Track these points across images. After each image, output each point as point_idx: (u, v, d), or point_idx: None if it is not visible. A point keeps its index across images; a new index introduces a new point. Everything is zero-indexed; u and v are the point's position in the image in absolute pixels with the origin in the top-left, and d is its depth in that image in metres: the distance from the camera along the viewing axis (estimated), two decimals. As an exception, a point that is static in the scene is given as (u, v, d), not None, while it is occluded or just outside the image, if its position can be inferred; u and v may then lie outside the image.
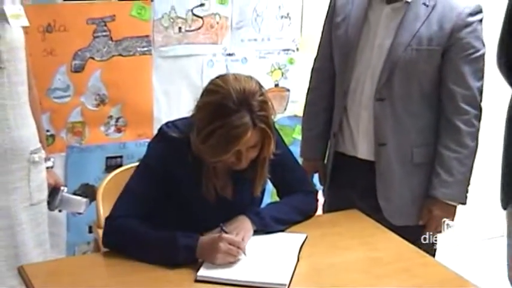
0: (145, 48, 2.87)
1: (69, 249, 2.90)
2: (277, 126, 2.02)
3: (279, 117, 3.07)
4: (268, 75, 3.12)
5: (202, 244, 1.83)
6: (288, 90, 3.18)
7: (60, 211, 2.52)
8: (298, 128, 2.85)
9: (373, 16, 2.23)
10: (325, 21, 2.40)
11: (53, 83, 2.75)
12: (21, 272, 1.84)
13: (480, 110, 2.20)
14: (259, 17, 3.04)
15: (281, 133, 2.10)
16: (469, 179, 2.22)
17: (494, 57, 2.32)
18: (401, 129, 2.21)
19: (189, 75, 2.98)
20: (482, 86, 2.19)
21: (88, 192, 2.78)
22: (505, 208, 2.31)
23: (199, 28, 2.95)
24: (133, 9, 2.81)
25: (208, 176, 1.93)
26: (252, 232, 1.94)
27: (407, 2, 2.16)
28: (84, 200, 2.39)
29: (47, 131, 2.69)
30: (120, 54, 2.83)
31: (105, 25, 2.78)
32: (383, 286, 1.79)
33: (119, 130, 2.91)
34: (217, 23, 2.98)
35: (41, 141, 2.22)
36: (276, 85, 3.16)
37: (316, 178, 2.51)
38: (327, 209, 2.45)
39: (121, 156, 2.92)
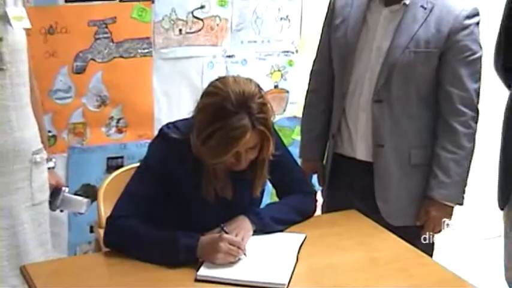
0: (146, 50, 2.88)
1: (70, 248, 2.90)
2: (276, 127, 2.03)
3: (278, 118, 3.07)
4: (267, 77, 3.13)
5: (202, 244, 1.84)
6: (288, 91, 3.18)
7: (61, 211, 2.52)
8: (298, 129, 2.86)
9: (372, 18, 2.23)
10: (324, 23, 2.40)
11: (54, 84, 2.75)
12: (23, 272, 1.85)
13: (477, 111, 2.21)
14: (259, 19, 3.04)
15: (280, 134, 2.11)
16: (466, 180, 2.24)
17: (491, 60, 2.34)
18: (399, 131, 2.22)
19: (190, 76, 2.98)
20: (479, 88, 2.20)
21: (89, 192, 2.78)
22: (502, 209, 2.32)
23: (199, 30, 2.96)
24: (134, 11, 2.82)
25: (208, 176, 1.93)
26: (251, 232, 1.95)
27: (406, 4, 2.17)
28: (86, 200, 2.40)
29: (49, 131, 2.69)
30: (121, 56, 2.84)
31: (106, 27, 2.78)
32: (381, 286, 1.79)
33: (119, 131, 2.92)
34: (218, 25, 2.98)
35: (42, 142, 2.23)
36: (276, 86, 3.16)
37: (315, 179, 2.52)
38: (326, 210, 2.46)
39: (122, 157, 2.93)
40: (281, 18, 3.09)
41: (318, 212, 2.29)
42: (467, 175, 2.23)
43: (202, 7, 2.94)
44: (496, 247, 2.59)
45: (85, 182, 2.87)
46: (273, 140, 1.89)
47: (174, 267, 1.82)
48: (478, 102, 2.21)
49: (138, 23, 2.84)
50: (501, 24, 2.30)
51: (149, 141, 2.09)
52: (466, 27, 2.15)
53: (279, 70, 3.15)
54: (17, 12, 2.07)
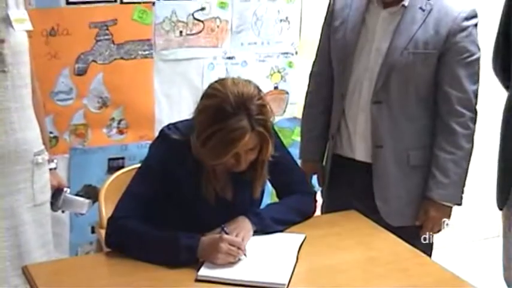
0: (147, 52, 2.89)
1: (72, 249, 2.91)
2: (276, 128, 2.04)
3: (278, 119, 3.08)
4: (267, 78, 3.13)
5: (203, 244, 1.85)
6: (287, 92, 3.19)
7: (63, 212, 2.52)
8: (297, 130, 2.87)
9: (371, 20, 2.24)
10: (323, 25, 2.41)
11: (56, 86, 2.76)
12: (25, 272, 1.86)
13: (475, 112, 2.21)
14: (258, 21, 3.05)
15: (280, 135, 2.12)
16: (465, 181, 2.24)
17: (490, 61, 2.35)
18: (398, 132, 2.23)
19: (190, 78, 2.99)
20: (477, 89, 2.21)
21: (91, 193, 2.78)
22: (501, 209, 2.33)
23: (199, 32, 2.97)
24: (135, 13, 2.83)
25: (208, 177, 1.94)
26: (251, 232, 1.95)
27: (404, 6, 2.18)
28: (87, 201, 2.40)
29: (51, 133, 2.70)
30: (122, 58, 2.85)
31: (108, 29, 2.79)
32: (380, 286, 1.80)
33: (121, 132, 2.92)
34: (218, 26, 2.99)
35: (44, 143, 2.23)
36: (276, 88, 3.17)
37: (315, 179, 2.53)
38: (326, 210, 2.46)
39: (123, 158, 2.94)
40: (281, 20, 3.09)
41: (318, 212, 2.29)
42: (466, 175, 2.24)
43: (202, 9, 2.95)
44: (495, 247, 2.60)
45: (86, 182, 2.87)
46: (272, 141, 1.89)
47: (175, 267, 1.82)
48: (476, 103, 2.21)
49: (138, 25, 2.85)
50: (499, 26, 2.31)
51: (150, 142, 2.10)
52: (465, 28, 2.15)
53: (278, 71, 3.16)
54: (18, 14, 2.08)
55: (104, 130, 2.90)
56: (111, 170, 2.85)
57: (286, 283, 1.77)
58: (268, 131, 1.87)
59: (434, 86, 2.21)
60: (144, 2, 2.83)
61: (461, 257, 3.46)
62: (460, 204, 2.26)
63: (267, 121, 1.86)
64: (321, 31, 2.44)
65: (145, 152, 2.05)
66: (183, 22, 2.93)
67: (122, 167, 2.84)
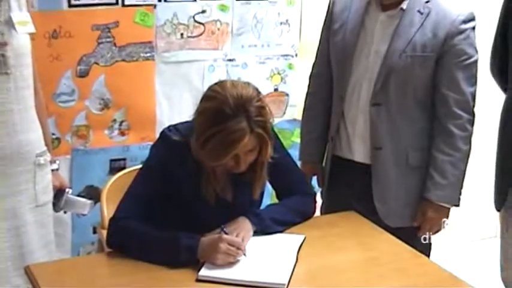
0: (148, 54, 2.89)
1: (74, 249, 2.92)
2: (276, 130, 2.05)
3: (278, 121, 3.07)
4: (267, 80, 3.14)
5: (203, 245, 1.85)
6: (287, 94, 3.20)
7: (65, 212, 2.52)
8: (297, 131, 2.86)
9: (370, 23, 2.25)
10: (323, 27, 2.42)
11: (58, 87, 2.77)
12: (27, 272, 1.87)
13: (473, 114, 2.22)
14: (259, 24, 3.06)
15: (280, 136, 2.12)
16: (462, 182, 2.25)
17: (487, 64, 2.36)
18: (396, 134, 2.24)
19: (191, 80, 3.00)
20: (475, 91, 2.22)
21: (92, 194, 2.76)
22: (498, 210, 2.32)
23: (200, 34, 2.97)
24: (137, 15, 2.83)
25: (208, 178, 1.95)
26: (251, 233, 1.96)
27: (403, 9, 2.19)
28: (89, 202, 2.41)
29: (53, 134, 2.70)
30: (124, 60, 2.86)
31: (109, 31, 2.80)
32: (380, 286, 1.81)
33: (122, 133, 2.93)
34: (218, 29, 3.00)
35: (46, 144, 2.23)
36: (276, 89, 3.17)
37: (315, 181, 2.54)
38: (325, 211, 2.47)
39: (124, 159, 2.95)
40: (281, 23, 3.10)
41: (317, 213, 2.30)
42: (464, 177, 2.25)
43: (203, 12, 2.95)
44: (493, 247, 2.60)
45: (88, 183, 2.87)
46: (271, 143, 1.90)
47: (176, 267, 1.83)
48: (474, 106, 2.22)
49: (140, 28, 2.85)
50: (497, 28, 2.32)
51: (151, 143, 2.11)
52: (463, 31, 2.16)
53: (278, 73, 3.17)
54: (21, 17, 2.08)
55: (106, 131, 2.91)
56: (113, 171, 2.86)
57: (286, 283, 1.77)
58: (267, 133, 1.87)
59: (432, 89, 2.22)
60: (145, 5, 2.84)
61: (459, 257, 3.46)
62: (457, 205, 2.27)
63: (266, 123, 1.87)
64: (320, 33, 2.45)
65: (146, 153, 2.07)
66: (184, 25, 2.93)
67: (124, 168, 2.84)
